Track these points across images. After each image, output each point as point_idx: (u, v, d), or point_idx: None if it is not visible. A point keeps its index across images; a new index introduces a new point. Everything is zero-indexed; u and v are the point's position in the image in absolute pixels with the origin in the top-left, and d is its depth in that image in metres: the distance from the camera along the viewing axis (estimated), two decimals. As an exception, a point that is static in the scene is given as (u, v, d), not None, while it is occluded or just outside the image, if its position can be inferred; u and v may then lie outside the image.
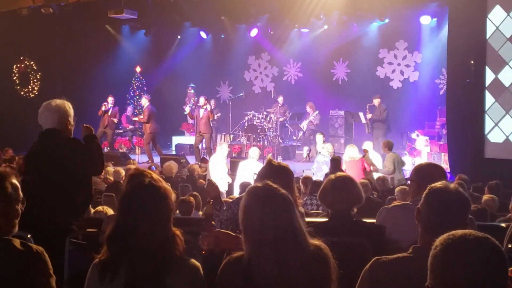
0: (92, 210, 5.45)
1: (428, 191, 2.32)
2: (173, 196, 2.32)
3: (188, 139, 16.80)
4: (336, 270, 2.20)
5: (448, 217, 2.24)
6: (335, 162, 8.86)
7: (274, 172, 3.31)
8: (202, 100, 13.96)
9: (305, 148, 11.25)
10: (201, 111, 13.75)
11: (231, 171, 9.64)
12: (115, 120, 14.67)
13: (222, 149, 9.68)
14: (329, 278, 2.18)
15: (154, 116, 13.77)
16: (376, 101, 13.77)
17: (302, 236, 2.19)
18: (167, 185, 2.34)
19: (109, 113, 14.31)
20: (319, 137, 11.42)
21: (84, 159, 3.73)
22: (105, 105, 14.24)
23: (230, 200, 3.57)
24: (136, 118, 15.12)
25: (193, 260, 2.29)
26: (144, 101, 14.05)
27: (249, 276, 2.13)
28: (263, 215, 2.16)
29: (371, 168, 10.06)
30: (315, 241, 2.24)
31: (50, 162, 3.71)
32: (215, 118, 14.19)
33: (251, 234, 2.17)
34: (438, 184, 2.33)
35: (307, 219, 3.42)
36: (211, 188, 3.70)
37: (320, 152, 10.53)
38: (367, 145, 11.03)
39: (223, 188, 9.03)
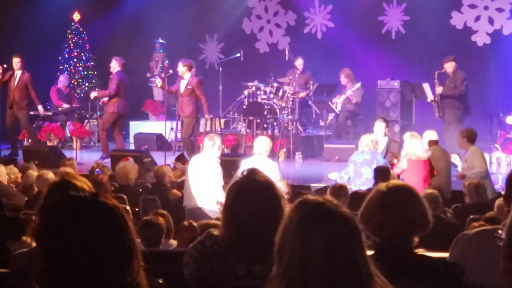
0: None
1: None
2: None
3: (154, 126, 16.75)
4: None
5: None
6: (383, 174, 8.70)
7: (250, 189, 3.38)
8: (181, 66, 13.80)
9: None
10: (182, 83, 13.69)
11: (224, 178, 9.48)
12: (34, 92, 14.25)
13: (213, 148, 9.32)
14: None
15: (124, 89, 13.77)
16: (448, 66, 13.67)
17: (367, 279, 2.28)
18: (116, 202, 2.30)
19: (16, 82, 14.12)
20: (379, 126, 11.20)
21: None
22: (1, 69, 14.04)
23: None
24: (95, 93, 14.59)
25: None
26: (114, 66, 13.85)
27: None
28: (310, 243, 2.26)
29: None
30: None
31: None
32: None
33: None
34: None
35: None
36: (187, 230, 3.71)
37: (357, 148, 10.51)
38: (430, 135, 10.93)
39: (212, 208, 8.90)
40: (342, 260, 2.25)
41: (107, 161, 12.78)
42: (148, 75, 17.91)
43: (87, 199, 2.27)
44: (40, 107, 14.53)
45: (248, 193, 3.39)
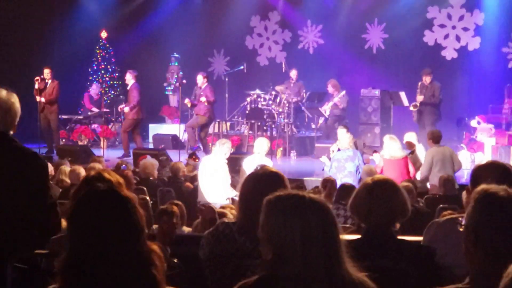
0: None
1: (482, 201, 2.35)
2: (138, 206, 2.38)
3: (170, 128, 16.77)
4: None
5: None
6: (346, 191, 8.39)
7: (262, 181, 3.35)
8: (200, 78, 14.06)
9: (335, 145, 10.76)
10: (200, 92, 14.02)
11: (230, 172, 9.51)
12: (53, 96, 14.08)
13: (222, 149, 9.39)
14: None
15: (141, 97, 14.14)
16: (427, 78, 13.74)
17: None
18: (129, 193, 2.40)
19: (47, 90, 13.96)
20: (341, 132, 11.02)
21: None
22: (37, 80, 14.02)
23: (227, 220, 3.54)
24: (127, 109, 14.56)
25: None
26: (129, 78, 14.16)
27: None
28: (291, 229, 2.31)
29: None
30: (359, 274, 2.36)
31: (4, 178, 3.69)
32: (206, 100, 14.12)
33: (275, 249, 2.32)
34: (491, 189, 2.35)
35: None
36: (207, 211, 3.70)
37: (337, 146, 10.47)
38: (410, 137, 10.94)
39: (221, 202, 8.89)
40: (333, 237, 2.34)
41: (129, 158, 12.89)
42: (165, 84, 18.00)
43: (104, 191, 2.36)
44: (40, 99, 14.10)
45: (262, 181, 3.38)
